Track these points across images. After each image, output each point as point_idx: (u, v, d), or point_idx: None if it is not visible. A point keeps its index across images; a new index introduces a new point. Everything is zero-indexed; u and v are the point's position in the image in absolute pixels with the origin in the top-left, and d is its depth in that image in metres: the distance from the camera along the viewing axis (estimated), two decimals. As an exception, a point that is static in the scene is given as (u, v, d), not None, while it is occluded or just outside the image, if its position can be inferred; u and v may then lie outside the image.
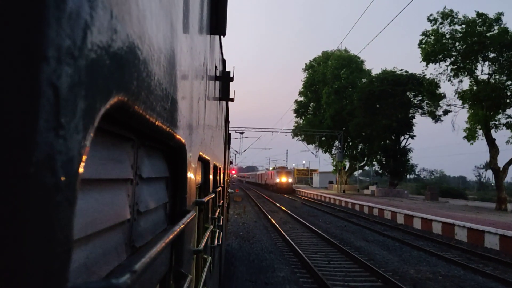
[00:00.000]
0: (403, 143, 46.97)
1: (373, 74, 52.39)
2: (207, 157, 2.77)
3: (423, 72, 41.56)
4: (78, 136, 0.56)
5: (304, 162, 55.28)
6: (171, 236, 1.24)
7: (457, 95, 34.43)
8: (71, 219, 0.55)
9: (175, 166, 1.69)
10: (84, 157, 0.60)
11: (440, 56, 34.34)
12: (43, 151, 0.47)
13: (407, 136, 46.61)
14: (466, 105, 34.27)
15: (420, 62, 35.48)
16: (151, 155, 1.39)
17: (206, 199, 2.74)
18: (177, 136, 1.43)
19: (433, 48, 34.14)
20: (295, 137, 62.65)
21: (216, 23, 3.01)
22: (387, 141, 48.14)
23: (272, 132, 47.23)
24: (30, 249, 0.46)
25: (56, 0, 0.48)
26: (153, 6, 1.02)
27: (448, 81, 35.04)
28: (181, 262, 1.69)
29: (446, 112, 37.59)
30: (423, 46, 35.09)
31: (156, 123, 1.09)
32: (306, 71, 63.60)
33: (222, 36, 4.28)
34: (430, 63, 35.26)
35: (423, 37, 35.44)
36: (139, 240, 1.21)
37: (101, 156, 0.87)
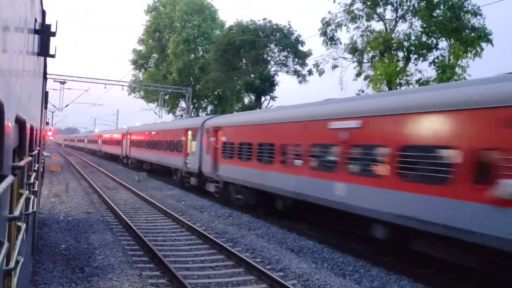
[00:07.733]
0: (263, 106, 44.30)
1: (227, 26, 52.22)
2: (23, 118, 2.88)
3: (289, 25, 43.00)
4: None
5: (138, 124, 53.08)
6: None
7: (364, 43, 30.99)
8: None
9: None
10: None
11: None
12: None
13: (267, 98, 44.63)
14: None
15: None
16: None
17: (22, 163, 2.88)
18: None
19: None
20: (132, 93, 60.53)
21: None
22: (245, 102, 47.29)
23: (105, 84, 44.14)
24: None
25: None
26: None
27: (344, 26, 31.50)
28: None
29: (334, 67, 33.63)
30: None
31: None
32: (149, 14, 60.91)
33: None
34: None
35: None
36: None
37: None
